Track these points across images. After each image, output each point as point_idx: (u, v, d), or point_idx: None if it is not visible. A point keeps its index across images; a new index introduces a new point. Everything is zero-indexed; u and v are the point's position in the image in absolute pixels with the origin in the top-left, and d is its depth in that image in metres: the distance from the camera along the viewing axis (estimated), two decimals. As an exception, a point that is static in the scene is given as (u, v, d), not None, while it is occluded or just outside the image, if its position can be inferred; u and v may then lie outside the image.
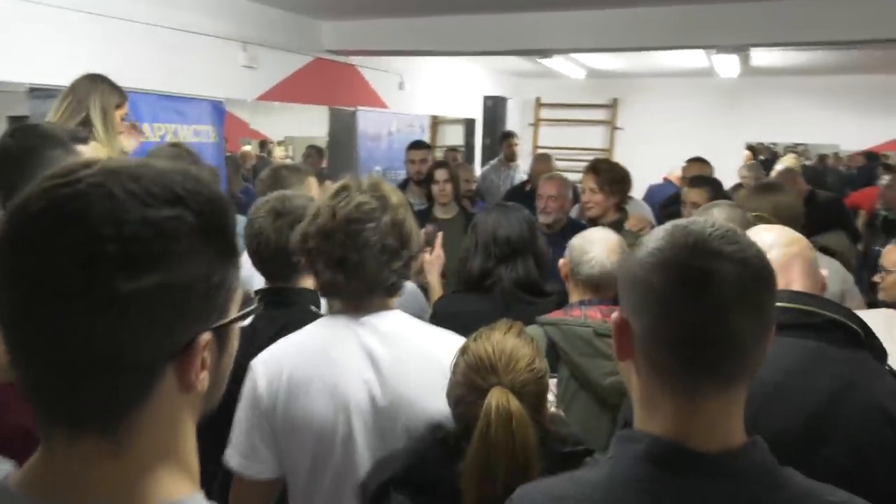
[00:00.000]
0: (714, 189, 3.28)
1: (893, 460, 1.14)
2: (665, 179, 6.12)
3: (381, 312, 1.42)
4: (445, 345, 1.40)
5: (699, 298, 0.79)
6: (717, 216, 1.91)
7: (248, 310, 0.68)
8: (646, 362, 0.85)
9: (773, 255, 1.35)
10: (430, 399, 1.34)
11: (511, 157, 6.23)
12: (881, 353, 1.26)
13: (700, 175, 4.03)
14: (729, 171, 6.65)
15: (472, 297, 2.24)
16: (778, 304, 1.25)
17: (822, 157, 10.01)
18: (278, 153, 9.12)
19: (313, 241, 1.38)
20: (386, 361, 1.36)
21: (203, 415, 0.69)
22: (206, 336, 0.62)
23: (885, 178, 4.57)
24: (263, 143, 9.99)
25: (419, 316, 2.27)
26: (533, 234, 2.32)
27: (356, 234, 1.35)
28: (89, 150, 1.45)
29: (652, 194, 5.28)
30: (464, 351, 1.25)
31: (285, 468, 1.40)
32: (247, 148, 7.65)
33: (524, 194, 5.20)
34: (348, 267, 1.36)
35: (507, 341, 1.22)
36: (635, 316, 0.84)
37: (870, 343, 1.25)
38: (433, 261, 2.65)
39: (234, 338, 0.69)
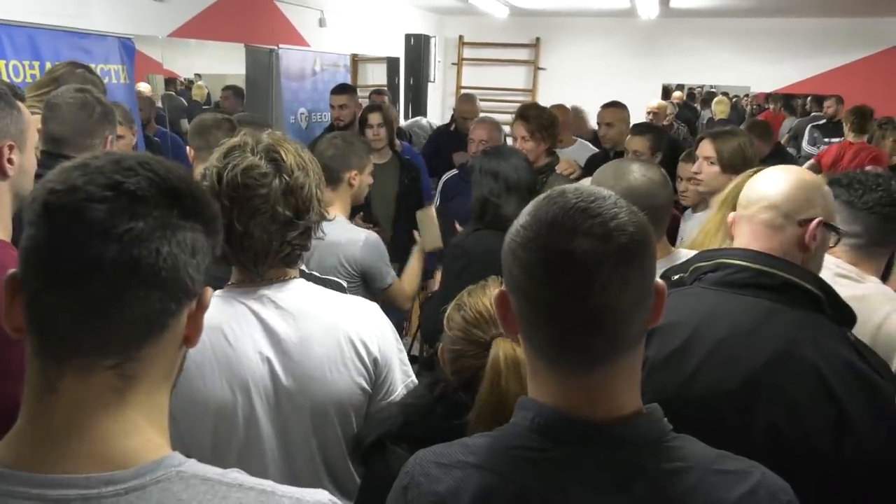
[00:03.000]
0: (656, 136, 3.31)
1: (825, 423, 1.15)
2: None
3: (279, 284, 1.32)
4: (351, 315, 1.35)
5: (556, 280, 0.77)
6: (635, 173, 1.90)
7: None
8: (523, 338, 0.85)
9: (751, 211, 1.33)
10: (335, 376, 1.30)
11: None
12: (847, 319, 1.26)
13: (644, 122, 4.06)
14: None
15: (499, 234, 2.34)
16: (736, 262, 1.27)
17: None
18: (197, 92, 8.56)
19: None
20: (289, 340, 1.28)
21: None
22: (210, 291, 0.72)
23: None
24: (169, 82, 9.37)
25: (379, 265, 2.36)
26: (534, 174, 2.64)
27: (243, 201, 1.23)
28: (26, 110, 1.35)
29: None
30: (460, 307, 1.23)
31: (187, 446, 1.29)
32: (143, 86, 7.06)
33: (449, 134, 5.17)
34: (233, 237, 1.23)
35: None
36: (510, 293, 0.84)
37: (832, 307, 1.24)
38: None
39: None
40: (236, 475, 0.69)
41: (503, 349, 1.13)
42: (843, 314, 1.25)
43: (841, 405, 1.15)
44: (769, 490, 0.81)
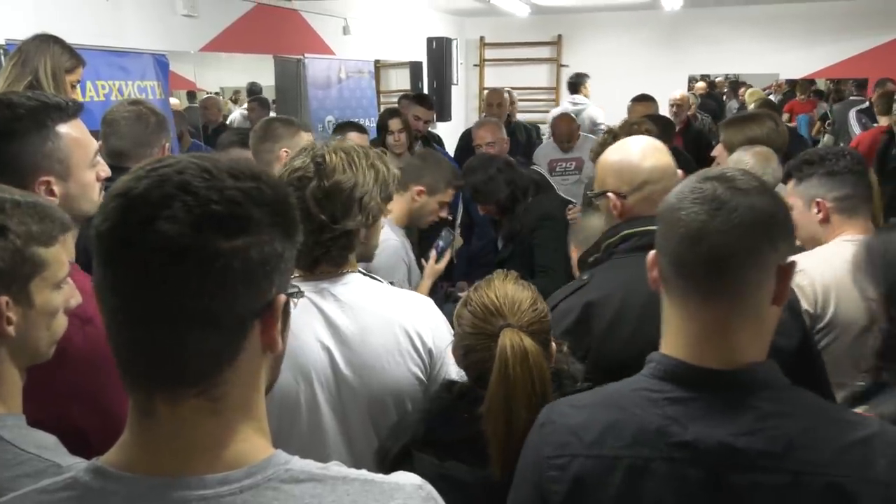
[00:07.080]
0: (659, 127, 3.26)
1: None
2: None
3: (338, 278, 1.36)
4: (407, 308, 1.39)
5: (691, 218, 0.90)
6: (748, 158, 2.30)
7: (296, 289, 0.75)
8: (664, 286, 0.96)
9: None
10: (392, 366, 1.34)
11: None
12: None
13: (649, 115, 4.05)
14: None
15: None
16: (640, 229, 1.42)
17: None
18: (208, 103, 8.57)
19: None
20: (348, 331, 1.32)
21: (268, 389, 0.75)
22: (283, 297, 0.70)
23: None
24: (192, 94, 9.45)
25: (394, 268, 2.31)
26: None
27: None
28: (74, 128, 1.31)
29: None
30: (466, 303, 1.26)
31: None
32: (173, 101, 7.12)
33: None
34: None
35: (507, 287, 1.25)
36: (659, 244, 0.97)
37: None
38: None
39: (290, 315, 0.75)
40: (338, 468, 0.71)
41: (510, 338, 1.16)
42: None
43: None
44: (886, 440, 0.87)
